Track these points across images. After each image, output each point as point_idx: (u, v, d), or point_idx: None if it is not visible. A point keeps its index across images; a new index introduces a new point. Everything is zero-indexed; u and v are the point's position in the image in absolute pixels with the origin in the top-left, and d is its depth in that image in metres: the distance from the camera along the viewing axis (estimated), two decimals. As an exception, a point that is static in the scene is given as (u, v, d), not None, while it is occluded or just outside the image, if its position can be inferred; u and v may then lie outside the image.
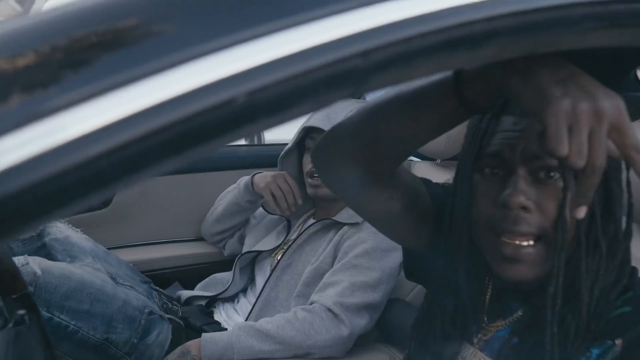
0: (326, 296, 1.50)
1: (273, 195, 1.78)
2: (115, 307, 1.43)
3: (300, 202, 1.79)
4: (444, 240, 0.89)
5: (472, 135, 0.83)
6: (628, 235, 0.80)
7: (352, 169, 0.84)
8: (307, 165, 1.76)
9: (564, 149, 0.59)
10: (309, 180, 1.74)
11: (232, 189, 1.97)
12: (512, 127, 0.79)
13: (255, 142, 2.83)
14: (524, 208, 0.76)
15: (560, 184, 0.76)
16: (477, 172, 0.82)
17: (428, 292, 0.99)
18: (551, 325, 0.75)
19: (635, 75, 1.72)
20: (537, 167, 0.77)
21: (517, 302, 0.87)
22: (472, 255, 0.86)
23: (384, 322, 1.53)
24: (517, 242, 0.76)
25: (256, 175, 1.86)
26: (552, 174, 0.76)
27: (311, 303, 1.52)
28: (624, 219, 0.81)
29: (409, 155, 0.87)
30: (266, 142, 2.98)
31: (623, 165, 0.78)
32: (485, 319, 0.90)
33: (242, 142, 2.49)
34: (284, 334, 1.45)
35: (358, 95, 1.73)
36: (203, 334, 1.48)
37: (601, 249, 0.77)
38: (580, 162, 0.60)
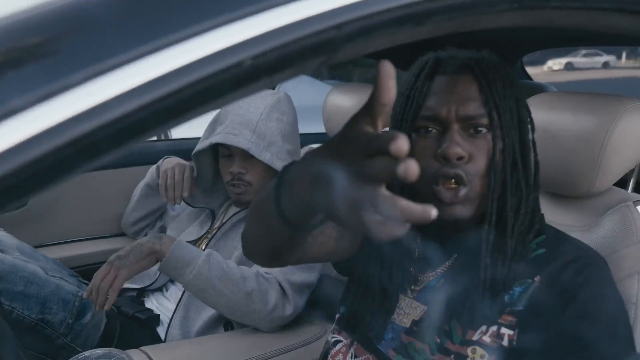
0: (274, 271, 1.54)
1: (166, 182, 1.81)
2: (49, 290, 1.44)
3: (185, 194, 1.80)
4: None
5: (407, 96, 0.93)
6: (537, 186, 0.95)
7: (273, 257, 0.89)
8: (227, 175, 1.75)
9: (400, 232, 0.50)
10: (232, 188, 1.75)
11: (147, 175, 2.02)
12: (445, 89, 0.90)
13: (163, 138, 2.81)
14: (460, 158, 0.88)
15: (489, 136, 0.89)
16: (414, 131, 0.93)
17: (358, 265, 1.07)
18: (485, 257, 0.88)
19: (522, 64, 1.98)
20: (468, 124, 0.89)
21: (444, 254, 1.00)
22: None
23: (313, 297, 1.63)
24: (454, 187, 0.88)
25: (166, 159, 1.92)
26: (480, 129, 0.89)
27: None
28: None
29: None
30: (173, 138, 2.96)
31: (529, 127, 0.93)
32: (417, 272, 1.02)
33: (154, 138, 2.49)
34: (244, 285, 1.47)
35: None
36: (178, 240, 1.47)
37: (521, 190, 0.91)
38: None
